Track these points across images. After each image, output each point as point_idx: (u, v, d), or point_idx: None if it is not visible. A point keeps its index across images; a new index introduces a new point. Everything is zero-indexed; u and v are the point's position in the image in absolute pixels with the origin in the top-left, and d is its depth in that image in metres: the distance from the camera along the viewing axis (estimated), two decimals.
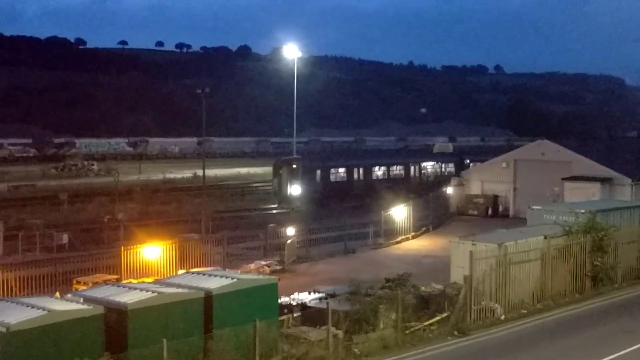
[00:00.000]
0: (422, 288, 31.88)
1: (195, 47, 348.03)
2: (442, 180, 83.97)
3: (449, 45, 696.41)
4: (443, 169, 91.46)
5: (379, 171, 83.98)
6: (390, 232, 54.49)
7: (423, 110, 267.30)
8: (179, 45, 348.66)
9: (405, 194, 73.10)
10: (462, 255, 33.14)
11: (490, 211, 68.18)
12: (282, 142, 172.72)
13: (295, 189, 73.52)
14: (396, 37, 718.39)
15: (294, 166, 75.00)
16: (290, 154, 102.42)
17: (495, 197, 69.04)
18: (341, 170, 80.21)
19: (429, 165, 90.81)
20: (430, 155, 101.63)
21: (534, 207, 47.87)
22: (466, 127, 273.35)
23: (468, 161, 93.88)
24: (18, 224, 56.69)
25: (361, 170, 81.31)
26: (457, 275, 32.86)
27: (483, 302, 31.23)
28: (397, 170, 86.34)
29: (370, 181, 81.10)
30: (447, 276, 34.44)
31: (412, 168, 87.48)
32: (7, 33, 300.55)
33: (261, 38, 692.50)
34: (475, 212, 68.19)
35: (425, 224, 59.35)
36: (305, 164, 76.86)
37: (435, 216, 62.36)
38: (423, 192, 72.63)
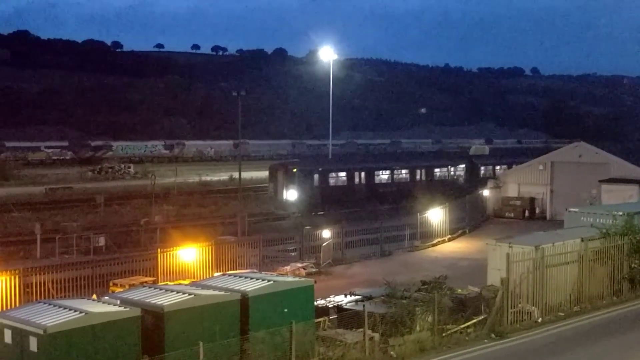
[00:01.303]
0: (459, 291, 31.73)
1: (232, 50, 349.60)
2: (450, 184, 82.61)
3: (485, 47, 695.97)
4: (453, 173, 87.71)
5: (382, 175, 79.94)
6: (427, 235, 54.32)
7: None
8: (215, 48, 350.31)
9: (410, 199, 72.61)
10: (498, 257, 32.92)
11: (527, 213, 67.77)
12: (318, 144, 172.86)
13: (291, 194, 70.54)
14: (432, 39, 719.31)
15: (293, 170, 72.15)
16: (326, 156, 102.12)
17: (532, 199, 68.66)
18: (341, 174, 76.51)
19: (437, 170, 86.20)
20: (438, 159, 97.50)
21: (571, 209, 47.50)
22: (503, 129, 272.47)
23: (479, 164, 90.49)
24: (55, 226, 57.16)
25: (362, 174, 77.67)
26: (494, 277, 32.67)
27: (520, 305, 31.03)
28: (402, 174, 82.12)
29: (372, 185, 77.73)
30: (483, 279, 34.24)
31: (418, 172, 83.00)
32: (44, 36, 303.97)
33: (297, 41, 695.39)
34: (512, 215, 67.82)
35: (462, 226, 59.11)
36: (303, 168, 73.79)
37: (471, 218, 62.05)
38: (429, 197, 71.79)
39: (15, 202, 74.52)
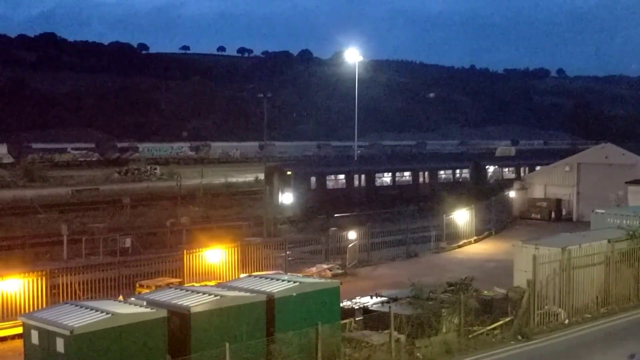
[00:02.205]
0: (485, 292, 31.65)
1: (257, 52, 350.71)
2: (455, 187, 79.01)
3: (511, 48, 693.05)
4: (458, 176, 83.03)
5: (383, 178, 76.36)
6: (453, 236, 54.14)
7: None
8: (241, 50, 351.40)
9: (413, 202, 71.58)
10: (525, 259, 32.77)
11: (553, 215, 67.39)
12: (344, 146, 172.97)
13: (287, 197, 67.31)
14: (458, 40, 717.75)
15: (288, 173, 68.88)
16: (352, 157, 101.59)
17: (559, 200, 68.28)
18: (340, 176, 73.03)
19: (441, 172, 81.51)
20: (443, 161, 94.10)
21: (598, 210, 47.27)
22: (529, 130, 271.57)
23: (488, 167, 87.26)
24: (81, 227, 57.39)
25: (362, 177, 73.61)
26: (520, 279, 32.52)
27: (546, 307, 30.91)
28: (404, 176, 78.24)
29: (373, 188, 74.21)
30: (510, 280, 34.08)
31: (420, 174, 78.82)
32: (71, 39, 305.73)
33: (322, 42, 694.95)
34: (538, 216, 67.45)
35: (488, 227, 58.84)
36: (299, 171, 70.31)
37: (497, 220, 61.78)
38: (433, 199, 70.98)
39: (42, 203, 74.89)
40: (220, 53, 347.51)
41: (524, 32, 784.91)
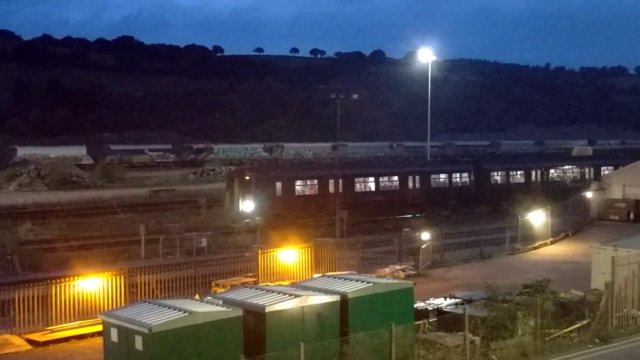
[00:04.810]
0: (562, 294, 31.30)
1: (330, 53, 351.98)
2: (452, 192, 74.93)
3: (587, 46, 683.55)
4: (457, 180, 76.75)
5: (364, 183, 70.24)
6: (528, 238, 53.59)
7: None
8: (314, 52, 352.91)
9: (399, 209, 68.65)
10: (603, 261, 32.33)
11: (632, 216, 66.27)
12: (416, 146, 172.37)
13: (247, 205, 61.92)
14: (533, 39, 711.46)
15: (247, 178, 63.60)
16: (424, 157, 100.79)
17: (637, 201, 67.04)
18: (312, 182, 67.31)
19: (434, 176, 75.10)
20: (439, 164, 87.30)
21: None
22: (606, 130, 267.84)
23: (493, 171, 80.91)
24: (159, 227, 58.05)
25: (340, 182, 66.35)
26: (598, 281, 32.11)
27: (625, 309, 30.45)
28: (389, 181, 72.01)
29: (351, 194, 67.21)
30: (587, 282, 33.69)
31: (410, 178, 72.41)
32: (148, 42, 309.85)
33: (395, 43, 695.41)
34: (617, 217, 66.30)
35: (565, 229, 58.10)
36: (262, 175, 65.04)
37: (574, 221, 60.98)
38: (423, 207, 69.30)
39: (120, 203, 75.97)
40: (293, 54, 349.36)
41: (601, 29, 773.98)
